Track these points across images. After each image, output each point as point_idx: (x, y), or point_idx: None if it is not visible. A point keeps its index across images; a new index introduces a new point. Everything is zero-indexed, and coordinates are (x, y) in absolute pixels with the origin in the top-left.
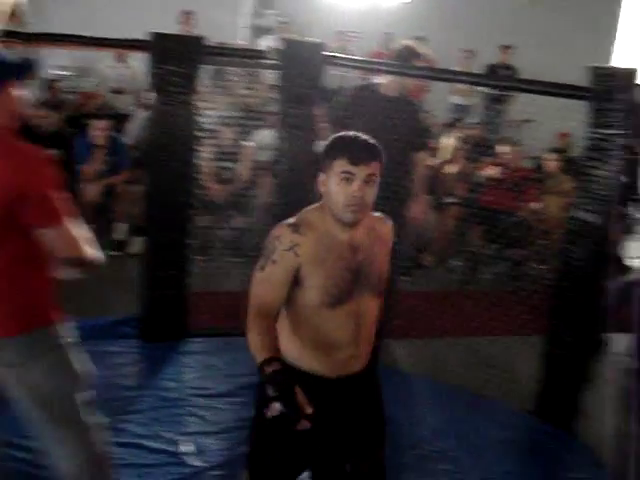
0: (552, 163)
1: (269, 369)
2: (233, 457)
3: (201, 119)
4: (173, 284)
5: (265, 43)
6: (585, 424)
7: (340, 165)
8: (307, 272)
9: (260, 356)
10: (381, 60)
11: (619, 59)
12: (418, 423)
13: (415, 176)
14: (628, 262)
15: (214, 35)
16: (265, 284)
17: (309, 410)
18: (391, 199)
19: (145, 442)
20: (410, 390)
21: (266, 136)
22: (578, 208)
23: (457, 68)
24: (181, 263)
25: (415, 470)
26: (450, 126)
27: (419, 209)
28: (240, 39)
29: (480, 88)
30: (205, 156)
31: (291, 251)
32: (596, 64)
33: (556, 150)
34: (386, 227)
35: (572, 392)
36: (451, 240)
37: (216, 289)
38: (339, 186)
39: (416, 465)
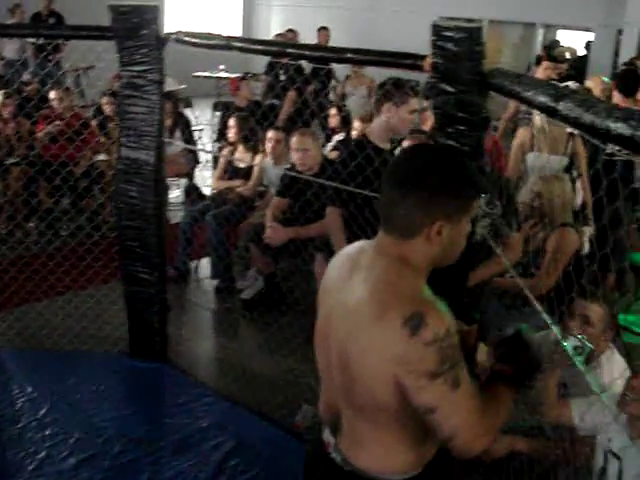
0: (107, 106)
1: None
2: None
3: None
4: None
5: None
6: (177, 350)
7: (475, 205)
8: None
9: (503, 400)
10: None
11: None
12: (16, 397)
13: None
14: (203, 190)
15: None
16: (471, 394)
17: None
18: None
19: None
20: (2, 366)
21: None
22: (125, 147)
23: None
24: None
25: (21, 443)
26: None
27: None
28: None
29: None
30: None
31: (454, 336)
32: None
33: (112, 93)
34: None
35: (158, 323)
36: (22, 202)
37: None
38: (466, 229)
39: (21, 438)
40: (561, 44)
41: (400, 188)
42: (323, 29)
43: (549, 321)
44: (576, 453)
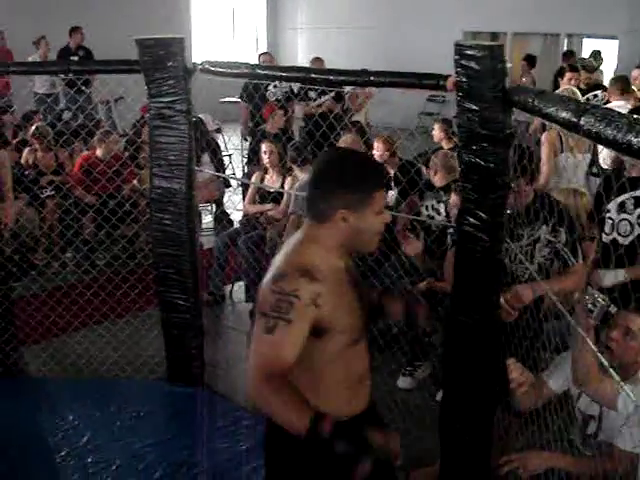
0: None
1: (327, 426)
2: None
3: None
4: None
5: None
6: (214, 374)
7: (380, 197)
8: (332, 318)
9: (303, 418)
10: None
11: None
12: (58, 425)
13: (2, 177)
14: (232, 215)
15: None
16: (278, 347)
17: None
18: None
19: None
20: (44, 395)
21: None
22: (157, 176)
23: (36, 55)
24: None
25: (64, 472)
26: (29, 118)
27: (10, 212)
28: None
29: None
30: None
31: (312, 305)
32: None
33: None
34: None
35: (195, 348)
36: (59, 233)
37: None
38: (376, 218)
39: (63, 467)
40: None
41: (313, 185)
42: (317, 60)
43: (583, 334)
44: (615, 468)
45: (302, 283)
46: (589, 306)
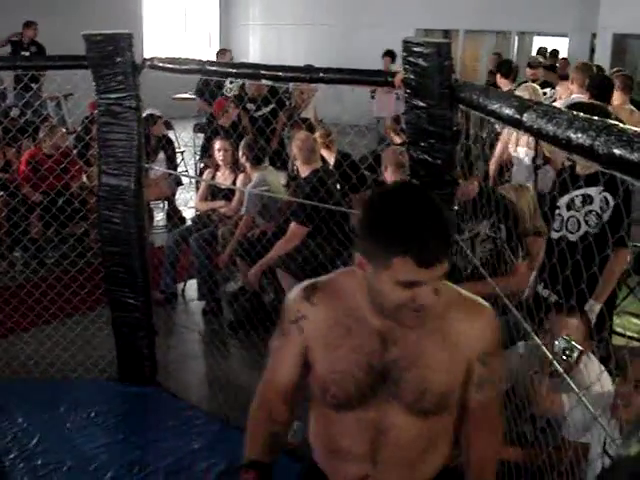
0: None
1: (244, 476)
2: None
3: None
4: None
5: None
6: (166, 373)
7: (402, 267)
8: (311, 358)
9: (246, 453)
10: None
11: (149, 24)
12: (7, 427)
13: None
14: (184, 212)
15: None
16: (276, 357)
17: None
18: None
19: None
20: None
21: None
22: (105, 173)
23: None
24: None
25: (13, 474)
26: None
27: None
28: None
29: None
30: None
31: (295, 324)
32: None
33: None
34: (474, 320)
35: (146, 347)
36: (7, 232)
37: None
38: (394, 290)
39: (13, 469)
40: (547, 51)
41: None
42: (224, 51)
43: (529, 329)
44: (561, 458)
45: (296, 297)
46: (566, 352)
